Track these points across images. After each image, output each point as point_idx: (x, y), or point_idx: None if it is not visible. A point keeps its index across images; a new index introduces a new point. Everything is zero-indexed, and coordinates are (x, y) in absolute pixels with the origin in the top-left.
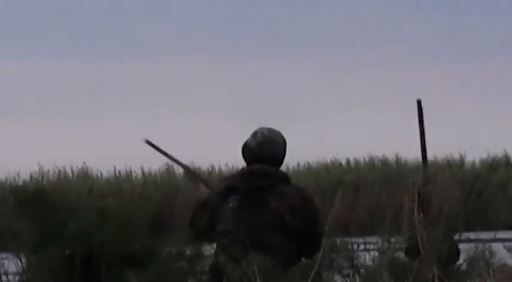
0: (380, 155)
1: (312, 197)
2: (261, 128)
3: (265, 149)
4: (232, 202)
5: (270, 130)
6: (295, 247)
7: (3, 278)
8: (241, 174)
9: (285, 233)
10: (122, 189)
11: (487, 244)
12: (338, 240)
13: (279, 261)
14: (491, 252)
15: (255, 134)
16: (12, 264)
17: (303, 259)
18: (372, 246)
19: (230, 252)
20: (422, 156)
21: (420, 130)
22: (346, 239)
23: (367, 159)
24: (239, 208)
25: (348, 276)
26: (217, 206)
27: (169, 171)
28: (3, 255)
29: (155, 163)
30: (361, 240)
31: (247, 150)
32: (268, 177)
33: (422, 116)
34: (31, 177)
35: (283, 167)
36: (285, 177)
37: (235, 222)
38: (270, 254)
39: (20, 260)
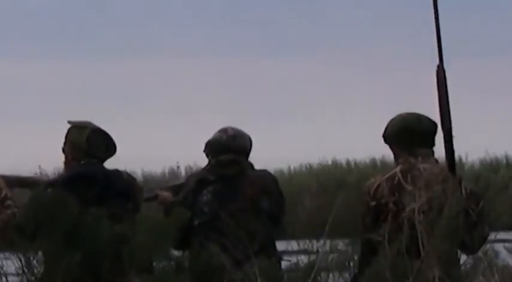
0: (381, 156)
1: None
2: (229, 126)
3: (237, 141)
4: (205, 195)
5: (237, 128)
6: (272, 232)
7: (3, 278)
8: (210, 166)
9: (261, 218)
10: None
11: (489, 244)
12: (339, 241)
13: (258, 248)
14: (495, 252)
15: (224, 130)
16: (12, 264)
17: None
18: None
19: (209, 245)
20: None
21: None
22: (347, 240)
23: (367, 160)
24: (214, 199)
25: (349, 276)
26: (190, 202)
27: (170, 172)
28: (2, 255)
29: (156, 164)
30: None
31: (216, 145)
32: (236, 165)
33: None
34: None
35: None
36: (251, 165)
37: (212, 213)
38: (249, 241)
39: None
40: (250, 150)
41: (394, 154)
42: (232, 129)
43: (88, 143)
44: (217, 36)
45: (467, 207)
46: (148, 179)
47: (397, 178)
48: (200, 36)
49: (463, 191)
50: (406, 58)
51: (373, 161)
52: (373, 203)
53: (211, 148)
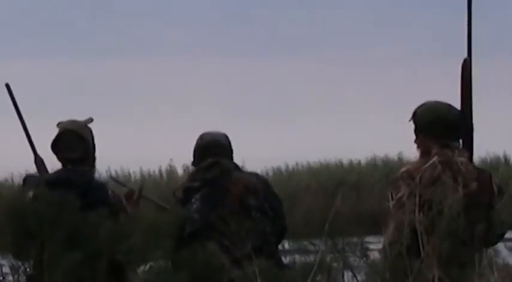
0: (382, 155)
1: (268, 180)
2: None
3: (207, 137)
4: (194, 203)
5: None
6: (265, 230)
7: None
8: (193, 173)
9: (252, 216)
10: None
11: None
12: (339, 240)
13: (254, 248)
14: (495, 251)
15: (197, 138)
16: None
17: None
18: (373, 247)
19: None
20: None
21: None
22: (348, 239)
23: (368, 159)
24: (203, 205)
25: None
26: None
27: (169, 171)
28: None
29: (154, 164)
30: (363, 240)
31: (195, 153)
32: (217, 167)
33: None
34: None
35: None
36: (236, 166)
37: (203, 220)
38: (243, 241)
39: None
40: (226, 145)
41: (421, 144)
42: (204, 132)
43: (53, 145)
44: (216, 36)
45: (496, 203)
46: (147, 177)
47: (437, 170)
48: (200, 36)
49: (494, 187)
50: (406, 58)
51: (374, 160)
52: (420, 191)
53: (193, 158)
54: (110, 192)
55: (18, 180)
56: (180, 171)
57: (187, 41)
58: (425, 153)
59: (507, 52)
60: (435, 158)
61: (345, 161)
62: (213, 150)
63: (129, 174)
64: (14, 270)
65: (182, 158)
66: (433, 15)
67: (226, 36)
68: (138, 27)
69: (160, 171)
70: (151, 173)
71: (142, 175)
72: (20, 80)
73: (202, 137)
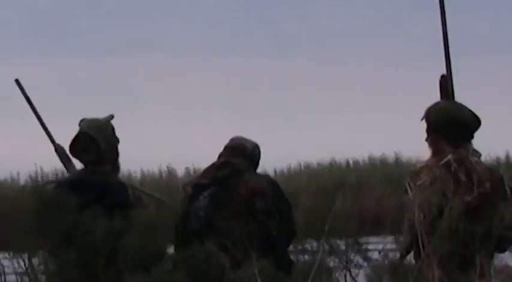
0: (380, 155)
1: (278, 183)
2: None
3: (234, 140)
4: (202, 200)
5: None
6: (271, 233)
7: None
8: (205, 170)
9: (257, 219)
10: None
11: None
12: (339, 241)
13: (255, 250)
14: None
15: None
16: (11, 264)
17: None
18: (373, 247)
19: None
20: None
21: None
22: (347, 240)
23: (367, 159)
24: (210, 204)
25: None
26: (186, 207)
27: (169, 171)
28: (2, 255)
29: (154, 164)
30: (362, 240)
31: (220, 153)
32: (228, 167)
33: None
34: (30, 177)
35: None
36: (248, 167)
37: (208, 218)
38: (245, 243)
39: (27, 260)
40: (250, 151)
41: (433, 143)
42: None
43: (71, 146)
44: (216, 36)
45: (508, 204)
46: (147, 178)
47: (453, 167)
48: (200, 36)
49: (506, 188)
50: (405, 58)
51: (372, 161)
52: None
53: (217, 158)
54: (130, 192)
55: (19, 180)
56: (179, 171)
57: (187, 41)
58: (436, 152)
59: (510, 52)
60: (450, 156)
61: (344, 162)
62: (233, 152)
63: (129, 174)
64: (15, 268)
65: (182, 158)
66: (433, 15)
67: (225, 36)
68: (138, 27)
69: (160, 171)
70: (152, 173)
71: (142, 175)
72: (22, 80)
73: (231, 139)
